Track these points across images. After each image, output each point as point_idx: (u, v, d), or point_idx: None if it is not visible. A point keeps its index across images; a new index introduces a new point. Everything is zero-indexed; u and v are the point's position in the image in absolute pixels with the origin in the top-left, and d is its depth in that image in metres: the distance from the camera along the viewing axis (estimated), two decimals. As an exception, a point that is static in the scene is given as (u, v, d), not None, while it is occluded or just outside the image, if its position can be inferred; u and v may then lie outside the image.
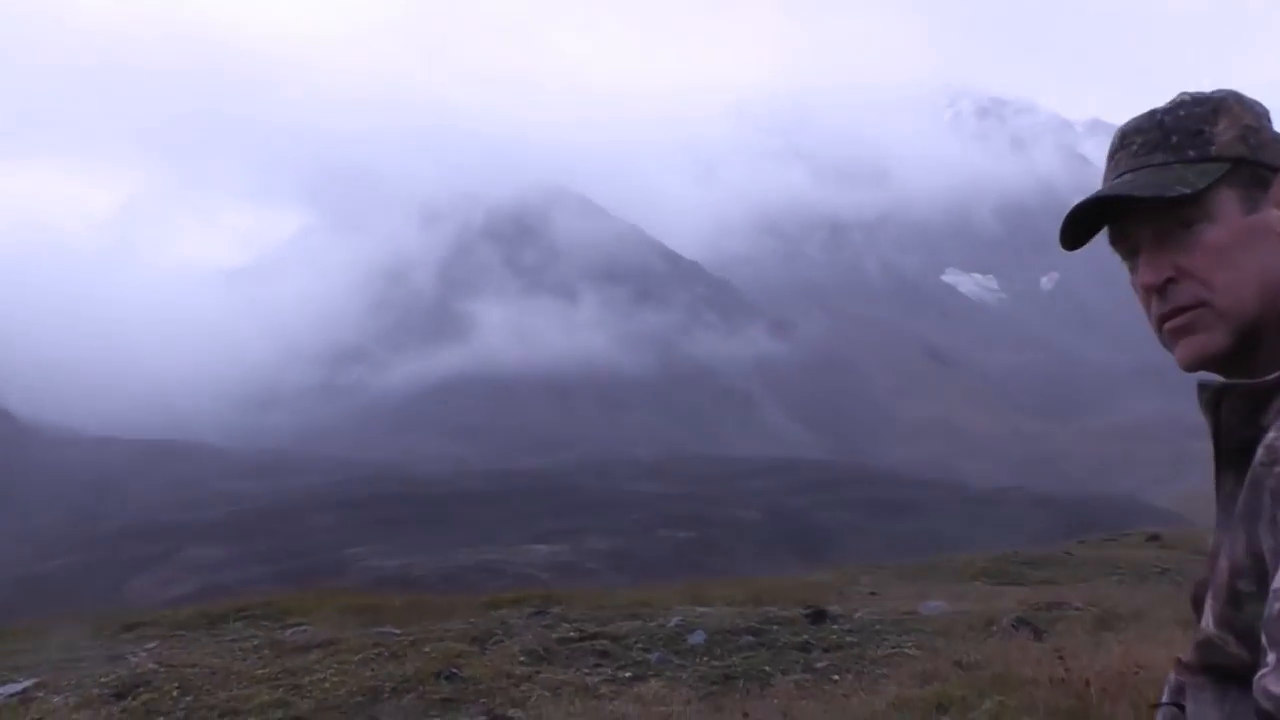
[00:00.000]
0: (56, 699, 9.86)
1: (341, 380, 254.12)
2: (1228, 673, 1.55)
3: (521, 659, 10.45)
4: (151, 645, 12.15)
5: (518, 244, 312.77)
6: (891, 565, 22.49)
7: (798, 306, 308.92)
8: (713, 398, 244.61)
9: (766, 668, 10.01)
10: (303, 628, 12.64)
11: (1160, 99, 1.78)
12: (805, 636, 11.01)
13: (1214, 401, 1.62)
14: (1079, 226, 1.72)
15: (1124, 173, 1.70)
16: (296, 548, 79.39)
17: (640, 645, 10.82)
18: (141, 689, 9.95)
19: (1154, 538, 26.24)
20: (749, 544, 77.07)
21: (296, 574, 51.20)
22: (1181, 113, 1.70)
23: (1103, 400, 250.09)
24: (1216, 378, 1.64)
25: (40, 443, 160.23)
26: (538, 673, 10.02)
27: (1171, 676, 1.73)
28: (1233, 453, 1.59)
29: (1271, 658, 1.33)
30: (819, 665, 10.08)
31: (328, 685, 9.86)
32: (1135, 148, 1.70)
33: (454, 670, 10.02)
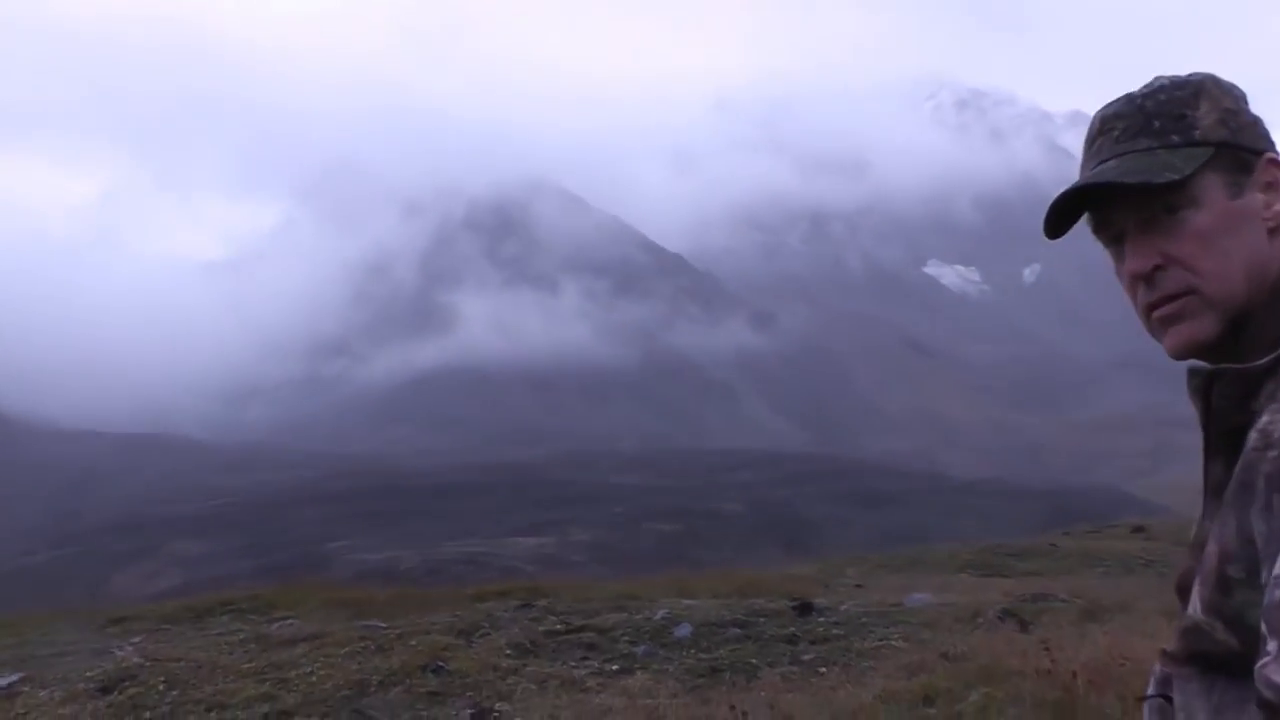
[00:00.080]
0: (43, 693, 9.84)
1: (323, 373, 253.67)
2: (1214, 661, 1.54)
3: (508, 652, 10.44)
4: (137, 639, 12.12)
5: (499, 236, 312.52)
6: (876, 557, 22.51)
7: (779, 298, 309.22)
8: (695, 390, 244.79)
9: (753, 660, 10.03)
10: (289, 621, 12.61)
11: (1141, 90, 1.76)
12: (792, 629, 11.02)
13: (1204, 387, 1.60)
14: (1062, 215, 1.70)
15: (1106, 159, 1.67)
16: (280, 541, 79.29)
17: (626, 638, 10.82)
18: (127, 683, 9.93)
19: (1139, 529, 26.34)
20: (733, 536, 77.16)
21: (280, 568, 51.19)
22: (1162, 96, 1.67)
23: (1085, 392, 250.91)
24: (1204, 364, 1.62)
25: (21, 437, 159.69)
26: (524, 665, 10.02)
27: (1157, 668, 1.72)
28: (1223, 438, 1.58)
29: (1272, 646, 1.32)
30: (805, 658, 10.10)
31: (314, 679, 9.85)
32: (1117, 133, 1.68)
33: (440, 663, 10.02)
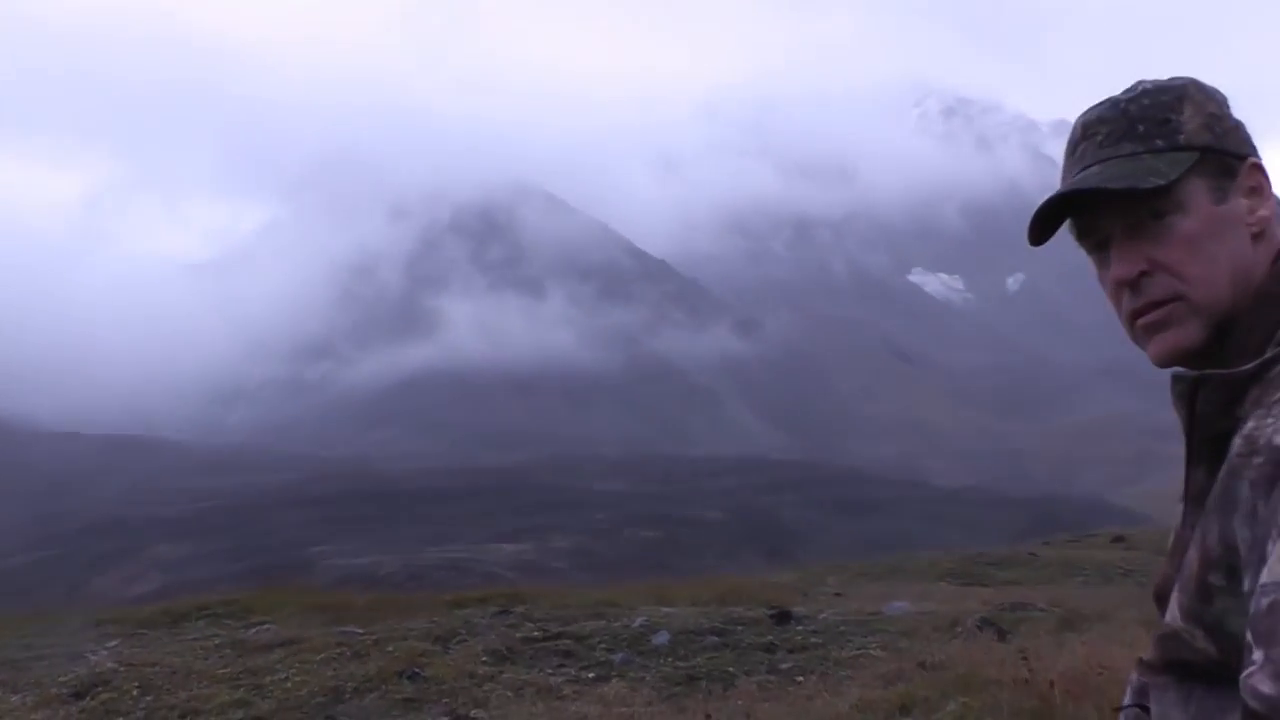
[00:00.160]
0: (14, 698, 9.77)
1: (307, 375, 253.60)
2: (1192, 669, 1.53)
3: (484, 659, 10.39)
4: (113, 644, 12.04)
5: (485, 240, 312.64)
6: (857, 565, 22.51)
7: (764, 305, 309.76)
8: (679, 395, 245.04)
9: (730, 669, 9.98)
10: (266, 626, 12.54)
11: (1126, 101, 1.73)
12: (770, 637, 10.98)
13: (1188, 393, 1.59)
14: (1046, 221, 1.68)
15: (1090, 164, 1.65)
16: (262, 545, 79.13)
17: (604, 645, 10.77)
18: (101, 688, 9.86)
19: (1119, 539, 26.36)
20: (715, 543, 77.22)
21: (261, 571, 50.99)
22: (1146, 101, 1.66)
23: (1067, 400, 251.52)
24: (1187, 370, 1.61)
25: (1, 437, 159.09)
26: (501, 672, 9.97)
27: (1134, 677, 1.71)
28: (1206, 444, 1.57)
29: (1258, 656, 1.31)
30: (783, 666, 10.06)
31: (289, 685, 9.79)
32: (1100, 138, 1.66)
33: (417, 670, 9.97)
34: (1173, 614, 1.56)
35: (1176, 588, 1.56)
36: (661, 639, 10.85)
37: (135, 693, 9.73)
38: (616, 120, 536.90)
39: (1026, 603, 13.24)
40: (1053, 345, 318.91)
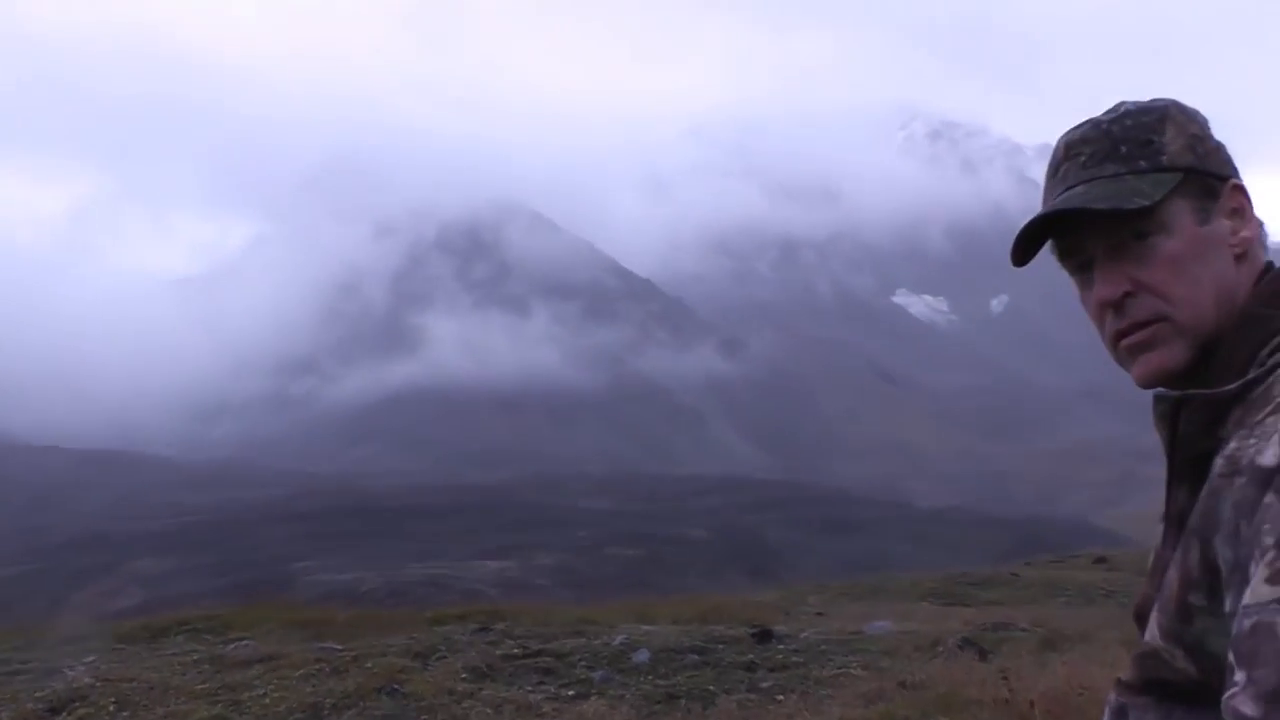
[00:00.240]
0: (-10, 714, 9.70)
1: (291, 391, 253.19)
2: (1172, 689, 1.54)
3: (464, 675, 10.34)
4: (90, 659, 11.96)
5: (470, 258, 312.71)
6: (839, 585, 22.48)
7: (749, 325, 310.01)
8: (663, 415, 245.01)
9: (711, 687, 9.95)
10: (245, 642, 12.46)
11: (1110, 127, 1.72)
12: (750, 656, 10.95)
13: (1171, 413, 1.59)
14: (1029, 241, 1.68)
15: (1073, 185, 1.65)
16: (244, 560, 78.83)
17: (584, 663, 10.73)
18: (77, 704, 9.79)
19: (1101, 560, 26.38)
20: (697, 562, 77.12)
21: (243, 587, 50.80)
22: (1128, 122, 1.66)
23: (1050, 422, 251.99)
24: (1169, 391, 1.61)
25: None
26: (480, 689, 9.93)
27: (1112, 697, 1.68)
28: (1188, 465, 1.57)
29: (1240, 677, 1.30)
30: (764, 685, 10.03)
31: (268, 701, 9.73)
32: (1083, 159, 1.65)
33: (395, 686, 9.91)
34: (1152, 633, 1.56)
35: (1156, 607, 1.57)
36: (642, 657, 10.82)
37: (112, 708, 9.66)
38: (603, 140, 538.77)
39: (1008, 623, 13.23)
40: (1036, 367, 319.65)
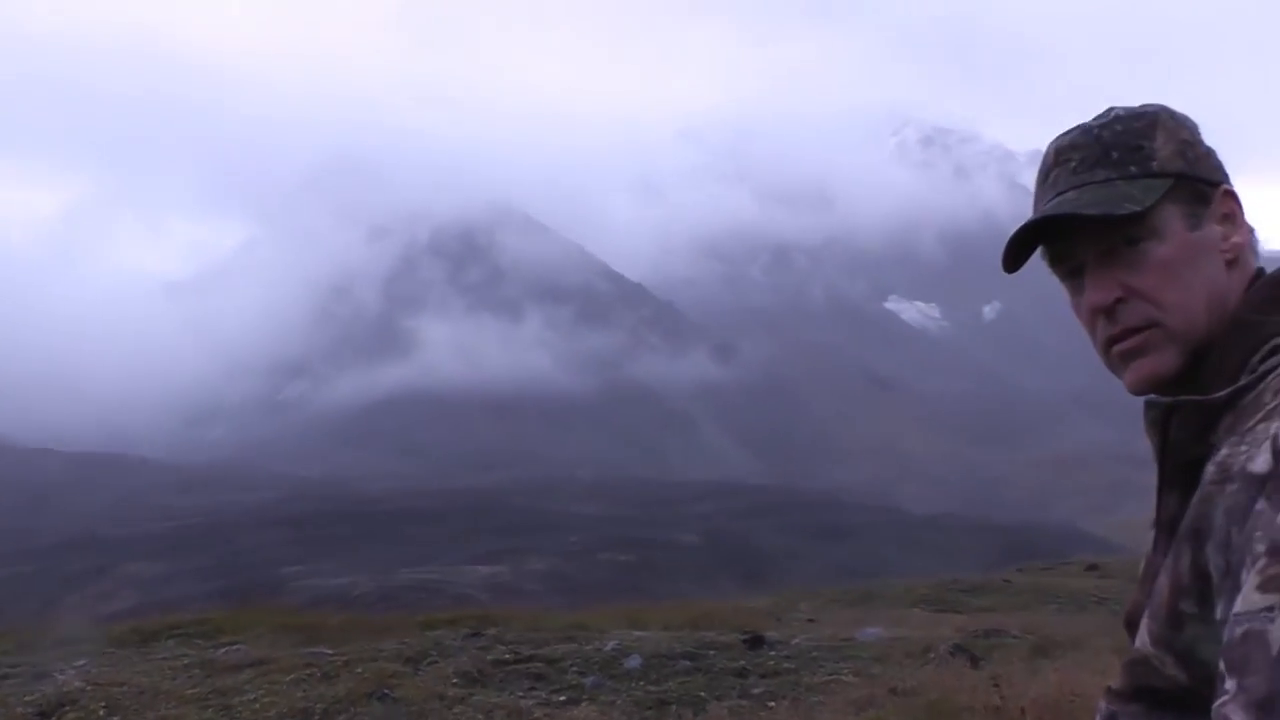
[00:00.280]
0: (-21, 717, 9.68)
1: (284, 395, 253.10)
2: (1162, 697, 1.53)
3: (455, 681, 10.33)
4: (81, 663, 11.94)
5: (463, 261, 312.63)
6: (831, 591, 22.48)
7: (741, 330, 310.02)
8: (655, 419, 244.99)
9: (702, 693, 9.94)
10: (236, 647, 12.44)
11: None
12: (742, 662, 10.95)
13: (1162, 419, 1.60)
14: (1020, 247, 1.67)
15: (1064, 191, 1.64)
16: (236, 564, 78.69)
17: (575, 669, 10.72)
18: (67, 708, 9.77)
19: (1093, 567, 26.41)
20: (689, 568, 77.01)
21: (235, 591, 50.64)
22: (1118, 127, 1.65)
23: (1042, 428, 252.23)
24: (1161, 397, 1.61)
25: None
26: (471, 695, 9.92)
27: (1102, 705, 1.67)
28: (1179, 471, 1.57)
29: (1230, 685, 1.30)
30: (755, 691, 10.03)
31: (258, 706, 9.72)
32: (1074, 164, 1.65)
33: (386, 691, 9.90)
34: (1142, 640, 1.56)
35: (1147, 614, 1.57)
36: (633, 663, 10.81)
37: (102, 713, 9.65)
38: (596, 144, 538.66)
39: (1000, 629, 13.25)
40: (1028, 374, 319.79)
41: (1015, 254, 1.68)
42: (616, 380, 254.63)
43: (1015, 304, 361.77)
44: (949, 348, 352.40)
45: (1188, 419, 1.55)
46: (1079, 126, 1.70)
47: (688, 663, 10.87)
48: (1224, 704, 1.30)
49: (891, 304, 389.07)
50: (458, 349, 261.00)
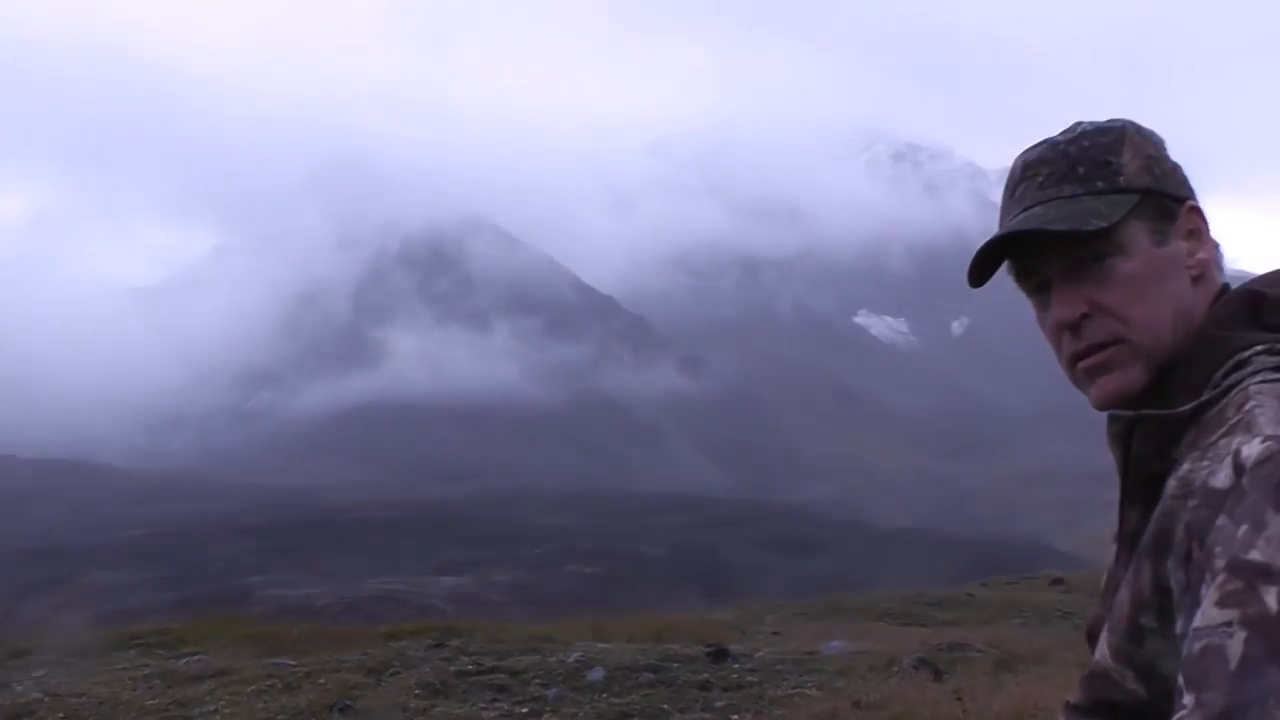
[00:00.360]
0: (-66, 728, 9.58)
1: (251, 404, 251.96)
2: (1120, 711, 1.53)
3: (417, 692, 10.29)
4: (39, 673, 11.84)
5: (432, 272, 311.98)
6: (796, 604, 22.45)
7: (710, 343, 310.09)
8: (623, 432, 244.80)
9: (665, 706, 9.93)
10: (197, 657, 12.37)
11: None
12: (706, 675, 10.93)
13: (1125, 434, 1.60)
14: (986, 261, 1.66)
15: (1031, 206, 1.64)
16: (199, 574, 78.23)
17: (538, 680, 10.69)
18: (25, 719, 9.69)
19: (1058, 581, 26.42)
20: (655, 580, 76.94)
21: (198, 601, 50.36)
22: (1085, 143, 1.64)
23: (1009, 443, 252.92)
24: (1124, 411, 1.61)
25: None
26: (433, 706, 9.88)
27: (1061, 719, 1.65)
28: (1141, 485, 1.57)
29: (1189, 700, 1.29)
30: (718, 704, 10.01)
31: (219, 718, 9.66)
32: (1041, 179, 1.64)
33: (348, 703, 9.85)
34: (1102, 653, 1.57)
35: (1107, 627, 1.57)
36: (597, 675, 10.78)
37: (60, 722, 9.57)
38: (567, 156, 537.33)
39: (964, 643, 13.26)
40: (996, 389, 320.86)
41: (981, 268, 1.67)
42: (585, 392, 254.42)
43: (983, 320, 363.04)
44: (917, 362, 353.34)
45: (1150, 433, 1.55)
46: (1046, 141, 1.69)
47: (651, 675, 10.85)
48: (1182, 718, 1.30)
49: (861, 319, 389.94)
50: (426, 359, 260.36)
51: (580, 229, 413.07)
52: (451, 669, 11.05)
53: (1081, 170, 1.62)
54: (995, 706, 7.99)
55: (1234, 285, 1.67)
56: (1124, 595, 1.53)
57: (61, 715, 9.73)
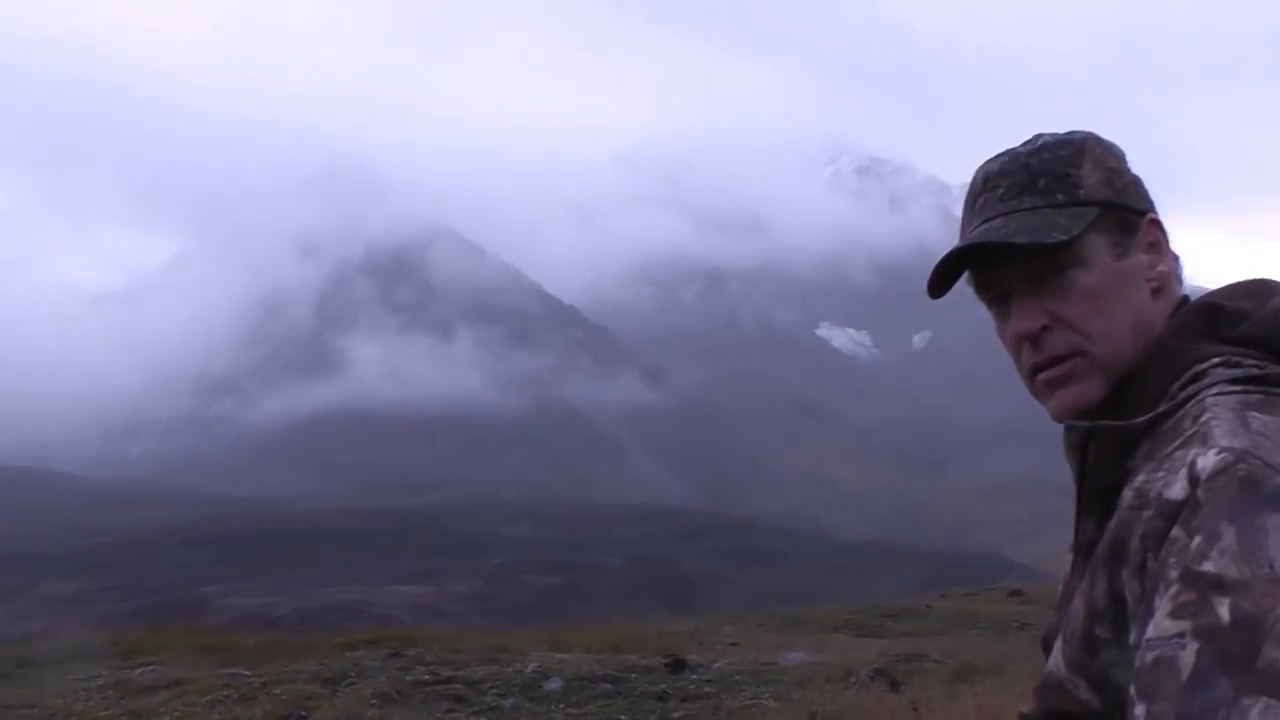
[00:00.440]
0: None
1: (211, 412, 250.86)
2: None
3: (373, 702, 10.24)
4: (-10, 682, 11.73)
5: (395, 280, 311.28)
6: (755, 615, 22.46)
7: (672, 355, 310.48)
8: (584, 443, 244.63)
9: (622, 716, 9.92)
10: (151, 667, 12.28)
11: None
12: (663, 686, 10.93)
13: (1081, 444, 1.61)
14: (946, 273, 1.67)
15: (992, 217, 1.64)
16: (155, 584, 77.69)
17: (495, 691, 10.67)
18: (-25, 728, 9.61)
19: (1016, 593, 26.50)
20: (615, 591, 76.89)
21: (154, 611, 50.05)
22: (1046, 155, 1.65)
23: (968, 457, 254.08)
24: (1081, 421, 1.61)
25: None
26: (389, 716, 9.84)
27: None
28: (1096, 496, 1.58)
29: (1140, 710, 1.30)
30: (675, 715, 10.01)
31: (172, 727, 9.59)
32: (1002, 191, 1.65)
33: (303, 713, 9.80)
34: (1055, 662, 1.57)
35: (1061, 637, 1.57)
36: (554, 685, 10.77)
37: (11, 733, 9.49)
38: (531, 166, 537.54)
39: (921, 654, 13.30)
40: (956, 403, 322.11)
41: (941, 280, 1.68)
42: (547, 402, 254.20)
43: (945, 334, 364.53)
44: (879, 375, 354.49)
45: (1106, 444, 1.56)
46: (1008, 152, 1.69)
47: (608, 686, 10.84)
48: None
49: (823, 331, 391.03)
50: (388, 368, 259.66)
51: (544, 239, 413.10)
52: (408, 679, 11.01)
53: (1042, 183, 1.62)
54: (951, 717, 8.01)
55: (1193, 299, 1.67)
56: (1079, 605, 1.53)
57: (13, 725, 9.65)
